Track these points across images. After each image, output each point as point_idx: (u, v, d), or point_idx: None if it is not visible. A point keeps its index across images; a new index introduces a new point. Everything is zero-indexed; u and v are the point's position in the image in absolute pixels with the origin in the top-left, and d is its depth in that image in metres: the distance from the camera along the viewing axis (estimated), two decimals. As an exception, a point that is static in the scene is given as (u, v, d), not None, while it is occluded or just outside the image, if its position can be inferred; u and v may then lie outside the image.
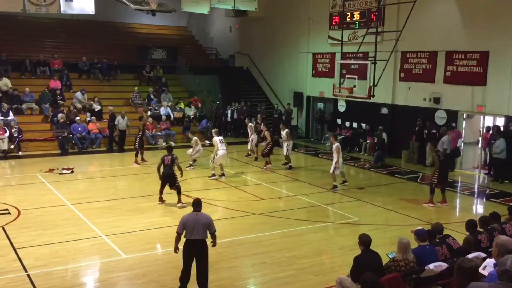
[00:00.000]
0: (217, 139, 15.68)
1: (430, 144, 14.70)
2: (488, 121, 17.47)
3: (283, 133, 17.65)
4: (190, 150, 17.06)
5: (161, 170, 12.53)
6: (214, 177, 15.53)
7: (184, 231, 7.65)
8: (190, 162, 17.08)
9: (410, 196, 14.26)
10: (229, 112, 24.27)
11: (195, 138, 17.00)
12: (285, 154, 17.59)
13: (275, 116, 24.51)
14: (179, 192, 12.55)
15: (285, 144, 17.49)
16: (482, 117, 17.50)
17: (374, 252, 6.90)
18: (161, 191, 12.71)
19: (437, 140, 17.08)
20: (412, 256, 6.82)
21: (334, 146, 14.63)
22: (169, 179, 12.52)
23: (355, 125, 21.91)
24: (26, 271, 8.56)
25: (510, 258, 4.21)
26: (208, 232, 7.76)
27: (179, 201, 12.51)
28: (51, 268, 8.67)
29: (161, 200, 12.77)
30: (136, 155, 17.71)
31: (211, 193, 13.91)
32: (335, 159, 14.45)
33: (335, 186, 14.57)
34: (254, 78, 28.24)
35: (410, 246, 6.90)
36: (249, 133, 19.03)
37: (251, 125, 19.28)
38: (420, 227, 7.72)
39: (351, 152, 20.88)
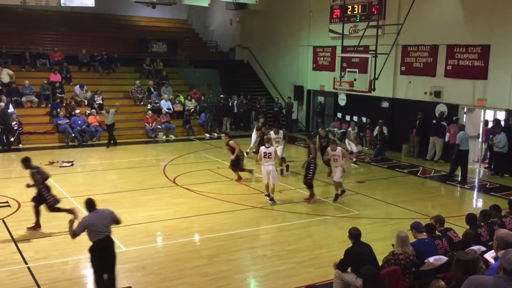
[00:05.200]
0: (263, 149, 12.57)
1: (307, 137, 13.54)
2: (489, 115, 17.45)
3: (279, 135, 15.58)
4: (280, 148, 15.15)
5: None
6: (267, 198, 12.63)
7: (91, 235, 7.11)
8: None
9: (410, 190, 14.27)
10: (231, 105, 24.20)
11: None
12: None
13: (275, 110, 24.50)
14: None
15: (280, 146, 15.31)
16: (482, 111, 17.47)
17: (365, 244, 7.01)
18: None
19: (441, 134, 17.16)
20: (411, 249, 6.85)
21: (338, 151, 12.75)
22: None
23: (355, 119, 21.85)
24: (26, 263, 8.58)
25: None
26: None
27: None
28: (51, 260, 8.69)
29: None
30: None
31: (212, 186, 13.91)
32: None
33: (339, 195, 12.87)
34: (255, 71, 28.17)
35: (409, 239, 6.92)
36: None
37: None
38: (416, 221, 7.72)
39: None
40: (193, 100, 23.93)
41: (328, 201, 12.92)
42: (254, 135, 17.40)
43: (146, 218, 11.06)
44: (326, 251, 9.57)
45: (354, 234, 7.01)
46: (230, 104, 24.17)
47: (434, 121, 17.97)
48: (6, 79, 21.09)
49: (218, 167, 16.04)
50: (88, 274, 8.52)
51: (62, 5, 20.49)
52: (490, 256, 5.58)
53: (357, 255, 6.76)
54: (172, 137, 21.89)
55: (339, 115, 22.58)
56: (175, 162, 17.07)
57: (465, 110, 17.70)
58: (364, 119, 21.16)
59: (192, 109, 23.50)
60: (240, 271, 8.57)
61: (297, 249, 9.46)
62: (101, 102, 21.84)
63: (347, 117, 21.97)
